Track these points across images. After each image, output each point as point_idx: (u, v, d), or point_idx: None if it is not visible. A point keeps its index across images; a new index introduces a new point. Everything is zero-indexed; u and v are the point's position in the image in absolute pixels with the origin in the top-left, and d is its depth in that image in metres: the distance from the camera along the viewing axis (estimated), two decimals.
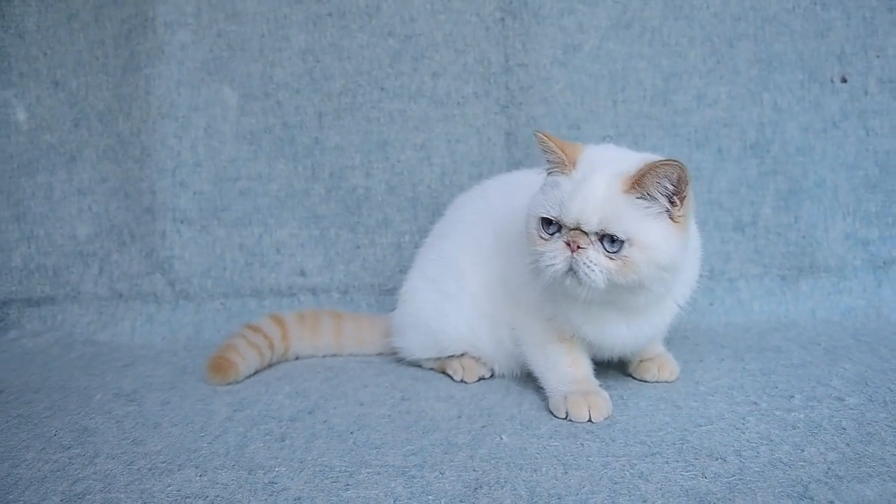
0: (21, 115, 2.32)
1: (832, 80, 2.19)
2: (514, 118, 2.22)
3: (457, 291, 1.71)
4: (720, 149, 2.20)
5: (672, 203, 1.34)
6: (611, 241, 1.32)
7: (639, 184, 1.32)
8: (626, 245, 1.31)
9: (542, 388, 1.55)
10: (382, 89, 2.24)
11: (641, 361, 1.67)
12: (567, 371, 1.51)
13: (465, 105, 2.24)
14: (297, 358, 1.95)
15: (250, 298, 2.27)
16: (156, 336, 2.23)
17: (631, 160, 1.38)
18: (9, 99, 2.31)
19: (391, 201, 2.26)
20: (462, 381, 1.72)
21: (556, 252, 1.35)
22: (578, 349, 1.54)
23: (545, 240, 1.37)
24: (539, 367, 1.56)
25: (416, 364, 1.84)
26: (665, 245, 1.33)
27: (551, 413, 1.46)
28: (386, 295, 2.24)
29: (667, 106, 2.20)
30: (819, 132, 2.19)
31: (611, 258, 1.32)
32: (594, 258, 1.32)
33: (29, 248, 2.32)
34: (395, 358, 1.89)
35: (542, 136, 1.40)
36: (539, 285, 1.42)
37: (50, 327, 2.28)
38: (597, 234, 1.32)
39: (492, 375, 1.75)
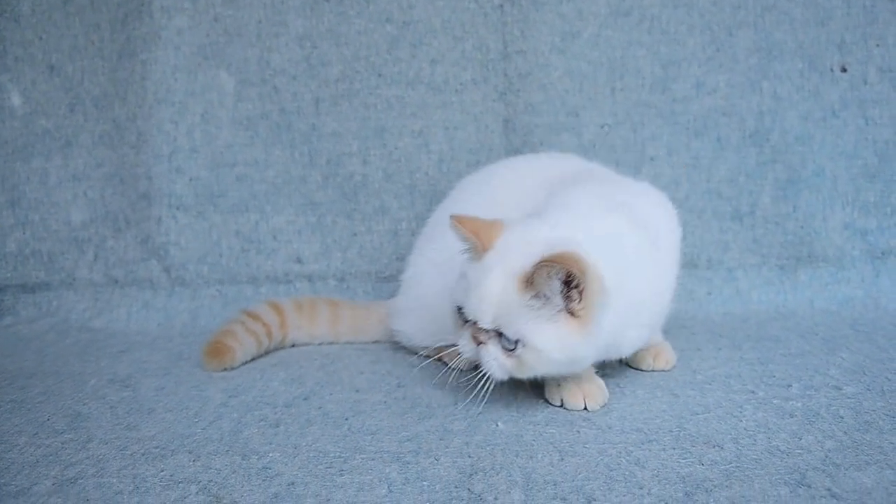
0: (16, 100, 2.30)
1: (832, 69, 2.18)
2: (512, 105, 2.21)
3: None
4: (719, 137, 2.19)
5: (569, 298, 1.27)
6: (506, 339, 1.30)
7: (531, 283, 1.26)
8: (519, 345, 1.29)
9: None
10: (380, 76, 2.23)
11: (638, 351, 1.66)
12: None
13: (463, 92, 2.22)
14: (293, 345, 1.94)
15: (246, 285, 2.26)
16: (151, 322, 2.22)
17: (537, 249, 1.28)
18: (4, 83, 2.29)
19: (388, 188, 2.25)
20: (458, 368, 1.71)
21: (465, 342, 1.35)
22: None
23: (459, 326, 1.38)
24: None
25: (412, 351, 1.83)
26: (559, 344, 1.28)
27: (547, 401, 1.45)
28: (383, 282, 2.24)
29: (666, 94, 2.19)
30: (818, 121, 2.18)
31: (507, 355, 1.30)
32: (494, 353, 1.31)
33: (24, 233, 2.31)
34: (392, 345, 1.89)
35: (455, 221, 1.35)
36: None
37: (45, 313, 2.27)
38: (494, 331, 1.31)
39: None
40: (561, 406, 1.42)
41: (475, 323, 1.32)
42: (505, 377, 1.33)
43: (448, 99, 2.22)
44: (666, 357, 1.64)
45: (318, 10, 2.22)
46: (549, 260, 1.23)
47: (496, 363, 1.31)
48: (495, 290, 1.29)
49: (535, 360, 1.29)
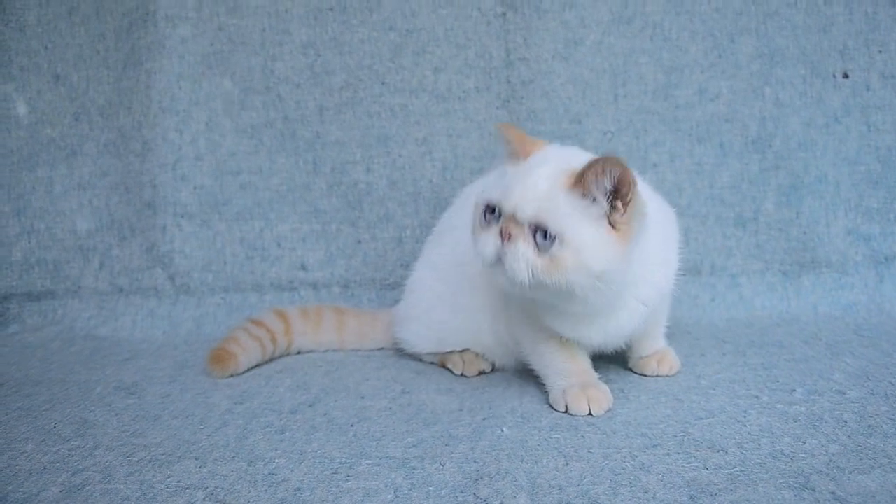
0: (22, 109, 2.31)
1: (834, 76, 2.19)
2: (515, 113, 2.22)
3: (460, 283, 1.70)
4: (722, 144, 2.20)
5: (613, 207, 1.28)
6: (543, 235, 1.26)
7: (581, 180, 1.26)
8: (556, 242, 1.25)
9: (541, 382, 1.55)
10: (384, 84, 2.24)
11: (641, 358, 1.67)
12: (564, 366, 1.50)
13: (467, 100, 2.23)
14: (298, 352, 1.95)
15: (251, 293, 2.27)
16: (156, 330, 2.22)
17: (584, 158, 1.31)
18: (9, 93, 2.30)
19: (392, 196, 2.25)
20: (462, 374, 1.72)
21: (488, 240, 1.30)
22: (573, 344, 1.52)
23: (482, 228, 1.33)
24: (537, 363, 1.56)
25: (416, 357, 1.84)
26: (597, 250, 1.26)
27: (551, 407, 1.46)
28: (387, 290, 2.24)
29: (668, 100, 2.20)
30: (821, 127, 2.18)
31: (539, 254, 1.26)
32: (522, 250, 1.26)
33: (29, 242, 2.32)
34: (397, 352, 1.89)
35: (502, 126, 1.39)
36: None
37: (50, 322, 2.28)
38: (530, 225, 1.27)
39: (492, 370, 1.74)
40: (565, 412, 1.42)
41: (512, 217, 1.28)
42: (527, 280, 1.25)
43: (451, 107, 2.23)
44: (670, 362, 1.65)
45: (321, 19, 2.24)
46: (605, 159, 1.24)
47: (524, 261, 1.25)
48: (542, 185, 1.28)
49: (568, 262, 1.24)
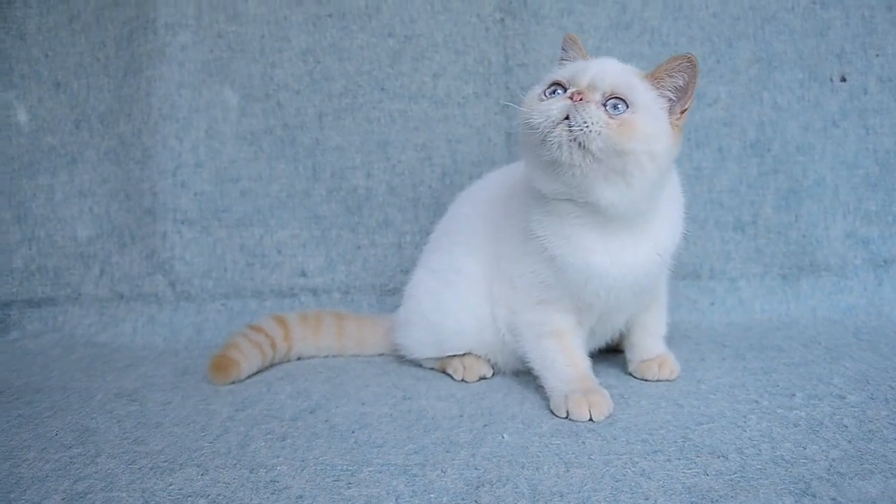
0: (22, 117, 2.32)
1: (832, 79, 2.19)
2: (514, 118, 2.22)
3: (457, 283, 1.71)
4: (720, 148, 2.20)
5: (673, 103, 1.38)
6: (614, 106, 1.31)
7: (657, 72, 1.38)
8: (629, 110, 1.31)
9: (542, 387, 1.55)
10: (383, 90, 2.25)
11: (642, 361, 1.67)
12: (565, 370, 1.50)
13: (466, 105, 2.24)
14: (299, 358, 1.95)
15: (251, 299, 2.27)
16: (157, 337, 2.23)
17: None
18: (10, 100, 2.31)
19: (392, 201, 2.26)
20: (463, 380, 1.72)
21: (555, 102, 1.32)
22: (574, 345, 1.54)
23: (546, 99, 1.36)
24: (537, 365, 1.56)
25: (416, 363, 1.84)
26: (661, 131, 1.34)
27: (552, 413, 1.46)
28: (387, 295, 2.25)
29: None
30: (819, 131, 2.19)
31: (611, 117, 1.30)
32: (594, 111, 1.29)
33: (30, 249, 2.33)
34: (397, 358, 1.90)
35: (571, 36, 1.49)
36: (528, 156, 1.42)
37: (51, 328, 2.28)
38: (605, 94, 1.32)
39: (493, 375, 1.75)
40: (566, 418, 1.42)
41: (587, 85, 1.32)
42: (595, 141, 1.28)
43: (451, 112, 2.23)
44: (671, 367, 1.65)
45: (320, 26, 2.24)
46: (682, 56, 1.36)
47: (595, 121, 1.28)
48: (619, 67, 1.40)
49: (637, 127, 1.29)
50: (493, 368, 1.75)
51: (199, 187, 2.26)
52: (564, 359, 1.52)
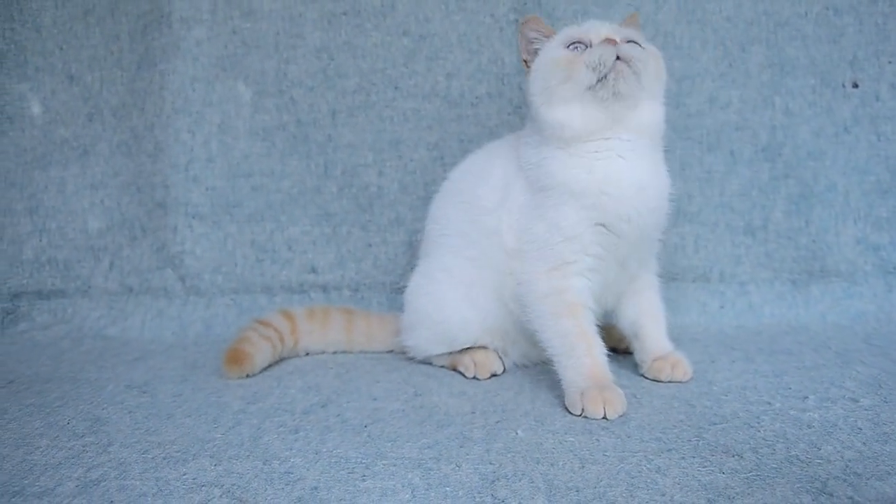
0: (36, 109, 2.33)
1: (844, 85, 2.20)
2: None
3: (448, 279, 1.74)
4: (732, 152, 2.21)
5: None
6: (636, 45, 1.52)
7: (628, 24, 1.62)
8: (642, 45, 1.54)
9: (558, 380, 1.54)
10: (396, 88, 2.25)
11: (655, 360, 1.67)
12: (583, 361, 1.50)
13: (479, 105, 2.24)
14: (307, 353, 1.95)
15: (261, 295, 2.28)
16: (166, 331, 2.23)
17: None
18: (24, 93, 2.32)
19: (403, 200, 2.26)
20: (474, 377, 1.72)
21: (599, 51, 1.48)
22: (592, 329, 1.54)
23: (576, 55, 1.51)
24: (555, 350, 1.54)
25: (427, 362, 1.84)
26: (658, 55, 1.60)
27: (567, 410, 1.46)
28: (397, 293, 2.24)
29: (679, 109, 2.21)
30: (830, 137, 2.19)
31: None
32: (637, 48, 1.51)
33: (41, 241, 2.33)
34: (407, 355, 1.90)
35: (535, 17, 1.66)
36: (570, 100, 1.52)
37: (60, 320, 2.29)
38: (623, 40, 1.51)
39: (504, 371, 1.75)
40: (581, 415, 1.42)
41: (608, 37, 1.50)
42: (642, 66, 1.48)
43: (464, 112, 2.24)
44: (684, 368, 1.65)
45: (335, 23, 2.25)
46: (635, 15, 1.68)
47: (639, 54, 1.49)
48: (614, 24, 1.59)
49: (657, 56, 1.57)
50: (503, 364, 1.76)
51: (210, 182, 2.27)
52: (583, 346, 1.51)
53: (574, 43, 1.53)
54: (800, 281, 2.20)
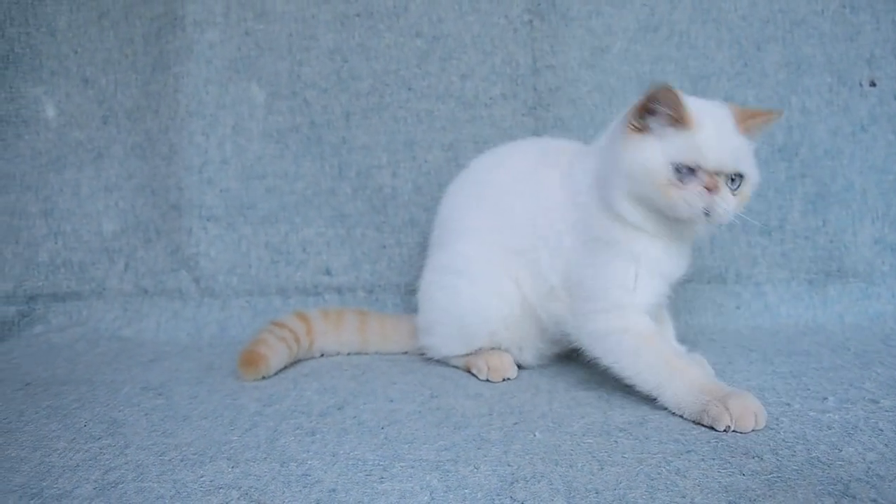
0: (50, 112, 2.33)
1: (861, 84, 2.18)
2: (541, 120, 2.22)
3: (469, 271, 1.74)
4: None
5: None
6: (734, 181, 1.44)
7: (750, 128, 1.47)
8: (743, 182, 1.45)
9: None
10: (410, 89, 2.25)
11: None
12: (691, 375, 1.43)
13: (493, 106, 2.24)
14: (322, 355, 1.95)
15: (276, 296, 2.28)
16: (181, 333, 2.24)
17: (721, 105, 1.49)
18: (39, 96, 2.33)
19: (418, 201, 2.26)
20: (487, 380, 1.71)
21: (695, 196, 1.40)
22: (672, 350, 1.52)
23: (678, 186, 1.42)
24: (650, 384, 1.47)
25: (443, 362, 1.84)
26: (757, 180, 1.51)
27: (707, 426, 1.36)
28: (411, 295, 2.23)
29: None
30: (848, 136, 2.18)
31: (733, 193, 1.44)
32: (727, 198, 1.42)
33: (56, 243, 2.34)
34: (422, 357, 1.90)
35: (673, 92, 1.40)
36: (639, 202, 1.48)
37: (75, 322, 2.29)
38: (728, 176, 1.43)
39: (517, 375, 1.74)
40: (729, 429, 1.32)
41: (715, 171, 1.41)
42: (725, 219, 1.43)
43: (478, 113, 2.23)
44: (707, 368, 1.63)
45: (348, 25, 2.25)
46: (772, 111, 1.51)
47: (729, 207, 1.42)
48: (735, 140, 1.44)
49: (747, 193, 1.48)
50: (517, 368, 1.75)
51: (224, 184, 2.27)
52: (678, 365, 1.45)
53: (682, 165, 1.41)
54: (817, 281, 2.19)
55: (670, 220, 1.47)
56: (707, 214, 1.41)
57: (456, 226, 1.81)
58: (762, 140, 2.14)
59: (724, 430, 1.32)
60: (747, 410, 1.32)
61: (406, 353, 1.97)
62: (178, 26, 2.26)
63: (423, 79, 2.25)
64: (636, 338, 1.49)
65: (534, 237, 1.66)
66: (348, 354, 1.97)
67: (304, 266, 2.28)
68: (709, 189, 1.40)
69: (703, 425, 1.35)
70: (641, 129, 1.45)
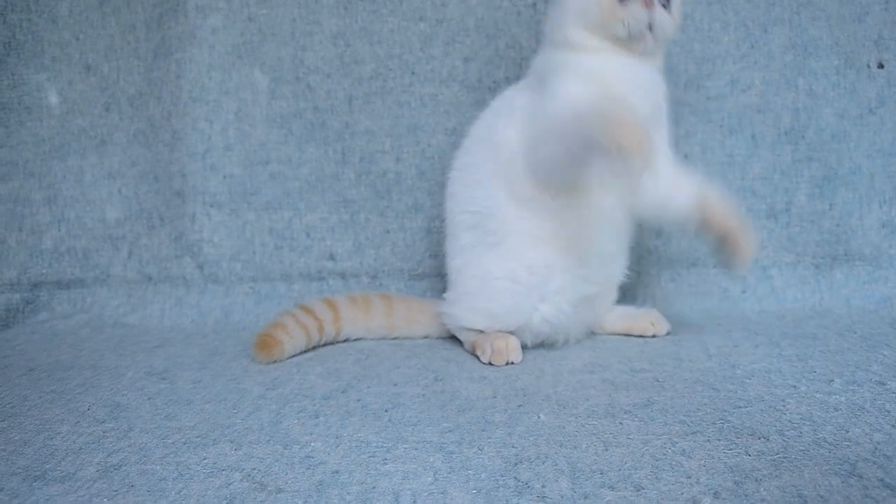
0: (53, 99, 2.33)
1: (869, 66, 2.16)
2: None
3: (501, 233, 1.76)
4: (754, 135, 2.18)
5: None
6: (666, 2, 1.67)
7: None
8: (671, 5, 1.68)
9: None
10: (413, 73, 2.23)
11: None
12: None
13: (497, 90, 2.19)
14: (345, 340, 1.95)
15: (279, 282, 2.27)
16: (185, 319, 2.23)
17: None
18: (41, 83, 2.32)
19: (422, 186, 2.25)
20: (490, 363, 1.70)
21: (637, 11, 1.62)
22: None
23: (621, 6, 1.63)
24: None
25: (457, 334, 1.87)
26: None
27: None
28: (416, 280, 2.24)
29: (700, 91, 2.18)
30: (855, 118, 2.16)
31: (668, 12, 1.67)
32: (666, 16, 1.66)
33: (59, 230, 2.33)
34: (428, 342, 1.91)
35: None
36: (592, 28, 1.67)
37: (79, 310, 2.29)
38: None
39: (521, 360, 1.73)
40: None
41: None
42: (665, 33, 1.67)
43: (482, 97, 2.21)
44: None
45: (351, 9, 2.23)
46: None
47: (667, 22, 1.66)
48: None
49: (676, 15, 1.71)
50: (522, 352, 1.74)
51: (228, 170, 2.26)
52: None
53: None
54: (823, 265, 2.17)
55: (618, 45, 1.66)
56: (650, 29, 1.63)
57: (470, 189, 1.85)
58: (768, 123, 2.15)
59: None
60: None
61: (427, 336, 1.97)
62: (180, 12, 2.25)
63: (427, 63, 2.23)
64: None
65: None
66: (373, 340, 1.96)
67: (308, 252, 2.27)
68: (646, 6, 1.62)
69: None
70: None
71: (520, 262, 1.73)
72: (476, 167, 1.82)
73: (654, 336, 1.87)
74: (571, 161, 1.58)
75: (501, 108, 1.83)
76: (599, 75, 1.64)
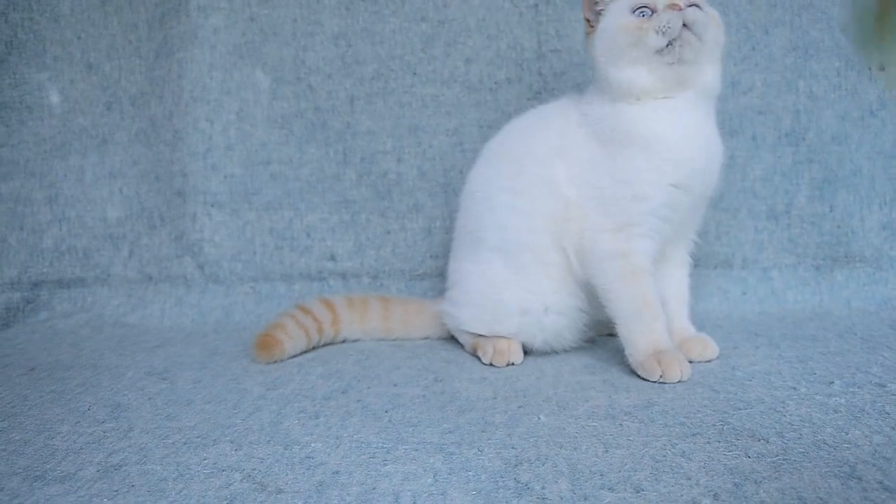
0: (54, 98, 2.33)
1: (869, 68, 2.16)
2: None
3: (503, 244, 1.73)
4: (755, 136, 2.18)
5: None
6: (698, 7, 1.55)
7: None
8: (703, 7, 1.56)
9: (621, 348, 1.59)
10: (415, 74, 2.24)
11: (683, 342, 1.66)
12: (654, 327, 1.56)
13: (498, 91, 2.22)
14: (343, 341, 1.95)
15: (280, 282, 2.27)
16: (185, 319, 2.24)
17: None
18: (43, 82, 2.33)
19: (422, 186, 2.25)
20: (490, 364, 1.70)
21: (667, 17, 1.51)
22: (656, 297, 1.58)
23: (644, 20, 1.53)
24: (623, 313, 1.59)
25: (457, 336, 1.86)
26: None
27: (638, 376, 1.55)
28: (416, 280, 2.24)
29: None
30: (856, 120, 2.16)
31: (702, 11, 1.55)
32: (699, 12, 1.53)
33: (60, 230, 2.34)
34: (428, 343, 1.91)
35: None
36: (638, 61, 1.55)
37: (80, 309, 2.29)
38: (686, 3, 1.52)
39: (521, 362, 1.73)
40: (658, 380, 1.51)
41: (672, 3, 1.52)
42: (706, 30, 1.53)
43: (483, 98, 2.22)
44: (713, 346, 1.68)
45: (353, 9, 2.24)
46: None
47: (702, 18, 1.52)
48: None
49: (717, 19, 1.59)
50: (523, 354, 1.74)
51: (229, 170, 2.26)
52: (651, 312, 1.56)
53: (640, 8, 1.55)
54: (824, 267, 2.17)
55: (665, 64, 1.54)
56: (686, 27, 1.50)
57: (481, 196, 1.80)
58: (768, 125, 2.15)
59: (657, 380, 1.51)
60: (675, 363, 1.51)
61: (426, 338, 1.97)
62: (182, 12, 2.25)
63: (428, 63, 2.23)
64: (629, 268, 1.58)
65: (553, 163, 1.68)
66: (370, 341, 1.96)
67: (309, 252, 2.27)
68: (673, 8, 1.51)
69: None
70: (598, 13, 1.63)
71: (537, 297, 1.71)
72: (518, 195, 1.71)
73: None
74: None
75: (550, 139, 1.70)
76: (668, 139, 1.55)
